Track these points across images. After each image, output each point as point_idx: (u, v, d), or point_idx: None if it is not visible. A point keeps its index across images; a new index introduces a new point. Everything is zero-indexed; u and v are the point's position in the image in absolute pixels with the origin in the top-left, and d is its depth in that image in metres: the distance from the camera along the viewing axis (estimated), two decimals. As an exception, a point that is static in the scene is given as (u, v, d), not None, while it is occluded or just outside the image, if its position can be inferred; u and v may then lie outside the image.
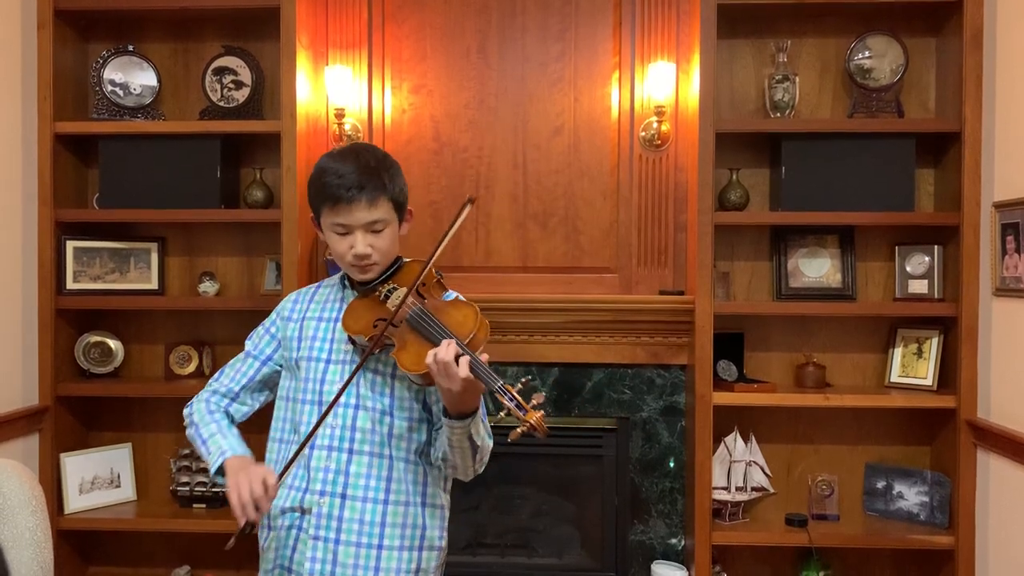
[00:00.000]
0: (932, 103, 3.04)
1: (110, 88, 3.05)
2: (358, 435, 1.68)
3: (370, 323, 1.65)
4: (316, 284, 1.87)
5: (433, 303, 1.67)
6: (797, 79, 2.97)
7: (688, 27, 3.06)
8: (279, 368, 1.82)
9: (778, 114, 2.96)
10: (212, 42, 3.16)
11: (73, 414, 3.11)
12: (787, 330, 3.10)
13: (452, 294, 1.76)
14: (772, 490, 3.03)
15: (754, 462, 3.00)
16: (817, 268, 3.03)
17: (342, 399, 1.67)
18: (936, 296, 2.92)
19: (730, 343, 3.02)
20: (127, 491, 3.15)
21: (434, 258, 1.66)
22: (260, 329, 1.86)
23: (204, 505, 3.04)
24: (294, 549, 1.69)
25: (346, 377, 1.69)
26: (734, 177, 3.01)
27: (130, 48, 3.09)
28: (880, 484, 3.04)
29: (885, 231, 3.05)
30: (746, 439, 3.01)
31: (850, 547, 2.97)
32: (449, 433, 1.60)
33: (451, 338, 1.54)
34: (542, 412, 1.46)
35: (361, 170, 1.64)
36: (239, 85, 3.08)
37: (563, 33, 3.13)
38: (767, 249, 3.11)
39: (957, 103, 2.81)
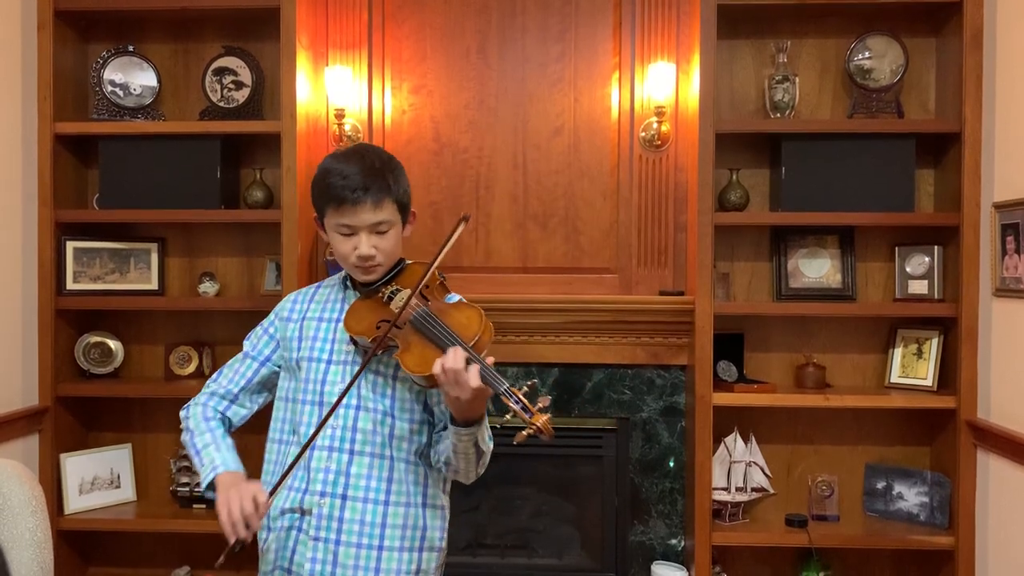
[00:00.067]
0: (932, 103, 3.04)
1: (110, 88, 3.05)
2: (359, 436, 1.68)
3: (373, 324, 1.65)
4: (315, 284, 1.87)
5: (437, 305, 1.67)
6: (797, 79, 2.97)
7: (688, 27, 3.06)
8: (277, 369, 1.81)
9: (778, 114, 2.96)
10: (212, 42, 3.16)
11: (73, 414, 3.11)
12: (787, 330, 3.10)
13: (455, 296, 1.76)
14: (772, 491, 3.03)
15: (754, 462, 3.00)
16: (817, 268, 3.03)
17: (343, 399, 1.67)
18: (936, 296, 2.92)
19: (730, 344, 3.02)
20: (127, 492, 3.15)
21: (437, 261, 1.66)
22: (258, 330, 1.85)
23: (204, 506, 3.04)
24: (294, 550, 1.69)
25: (347, 378, 1.69)
26: (734, 177, 3.01)
27: (130, 48, 3.09)
28: (880, 484, 3.04)
29: (885, 231, 3.05)
30: (746, 439, 3.01)
31: (850, 547, 2.97)
32: (455, 440, 1.60)
33: (456, 340, 1.54)
34: (548, 415, 1.47)
35: (366, 171, 1.64)
36: (239, 85, 3.08)
37: (563, 34, 3.13)
38: (767, 249, 3.11)
39: (957, 103, 2.81)
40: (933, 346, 2.94)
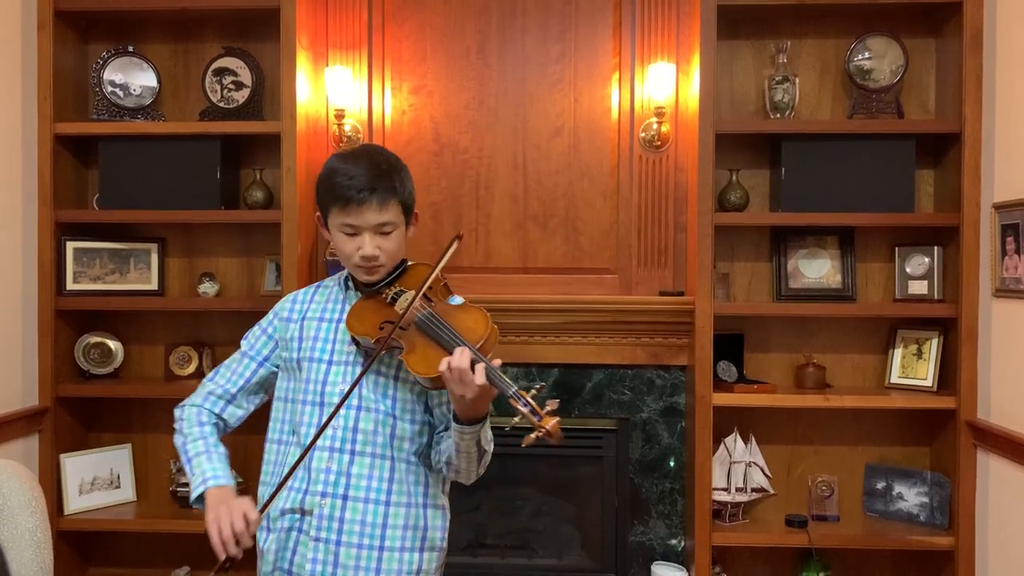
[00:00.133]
0: (932, 104, 3.04)
1: (110, 89, 3.05)
2: (360, 436, 1.68)
3: (376, 325, 1.65)
4: (315, 285, 1.87)
5: (442, 307, 1.67)
6: (797, 80, 2.97)
7: (688, 28, 3.06)
8: (275, 369, 1.81)
9: (778, 115, 2.96)
10: (212, 43, 3.16)
11: (73, 415, 3.11)
12: (787, 331, 3.10)
13: (457, 298, 1.76)
14: (772, 491, 3.03)
15: (754, 463, 3.00)
16: (817, 269, 3.03)
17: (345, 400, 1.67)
18: (936, 297, 2.92)
19: (730, 344, 3.02)
20: (127, 492, 3.15)
21: (441, 263, 1.66)
22: (256, 329, 1.84)
23: (204, 507, 3.03)
24: (294, 551, 1.69)
25: (348, 378, 1.69)
26: (734, 178, 3.01)
27: (130, 49, 3.09)
28: (880, 485, 3.04)
29: (885, 232, 3.05)
30: (746, 440, 3.01)
31: (850, 548, 2.97)
32: (458, 438, 1.60)
33: (462, 342, 1.55)
34: (557, 418, 1.47)
35: (373, 172, 1.64)
36: (239, 86, 3.08)
37: (563, 34, 3.13)
38: (767, 250, 3.11)
39: (957, 104, 2.81)
40: (933, 346, 2.94)
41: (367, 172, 1.64)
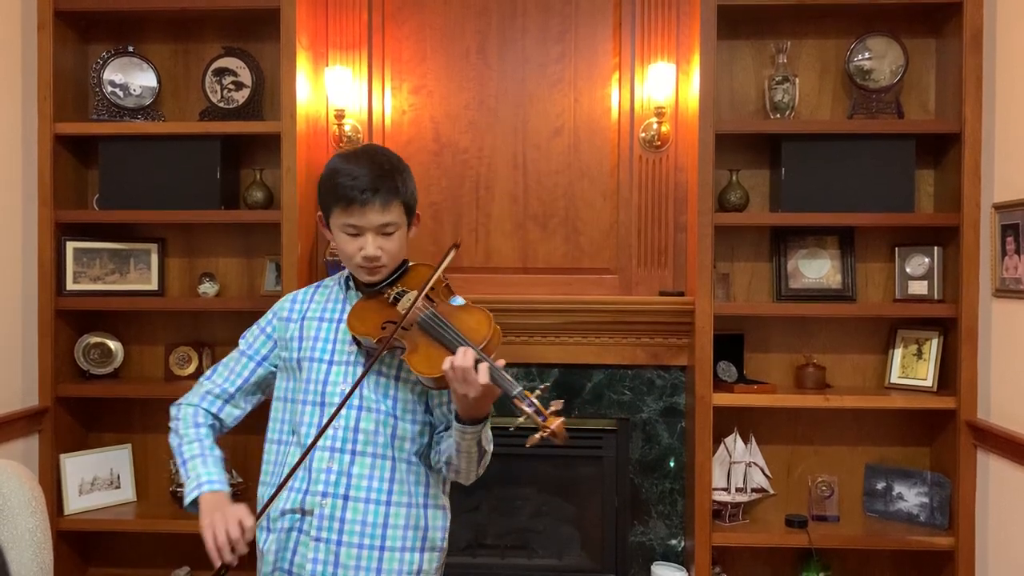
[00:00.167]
0: (932, 104, 3.04)
1: (110, 89, 3.05)
2: (361, 437, 1.68)
3: (378, 325, 1.65)
4: (314, 285, 1.86)
5: (444, 308, 1.68)
6: (797, 80, 2.98)
7: (688, 28, 3.06)
8: (274, 369, 1.80)
9: (778, 115, 2.96)
10: (212, 43, 3.16)
11: (73, 415, 3.11)
12: (787, 331, 3.10)
13: (459, 299, 1.76)
14: (772, 491, 3.03)
15: (754, 463, 3.00)
16: (817, 269, 3.03)
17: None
18: (936, 297, 2.92)
19: (730, 344, 3.02)
20: (127, 492, 3.15)
21: (444, 265, 1.67)
22: (255, 329, 1.84)
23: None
24: (294, 551, 1.69)
25: (349, 378, 1.69)
26: (734, 178, 3.01)
27: (130, 49, 3.09)
28: (880, 485, 3.04)
29: (885, 232, 3.05)
30: (746, 440, 3.01)
31: (850, 548, 2.97)
32: (459, 438, 1.60)
33: (465, 342, 1.55)
34: (562, 419, 1.47)
35: (376, 173, 1.64)
36: (239, 86, 3.08)
37: (563, 34, 3.13)
38: (767, 250, 3.11)
39: (957, 104, 2.81)
40: (933, 347, 2.94)
41: (370, 172, 1.64)
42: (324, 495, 1.66)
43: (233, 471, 3.09)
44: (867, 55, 2.95)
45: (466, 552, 3.17)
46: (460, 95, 3.15)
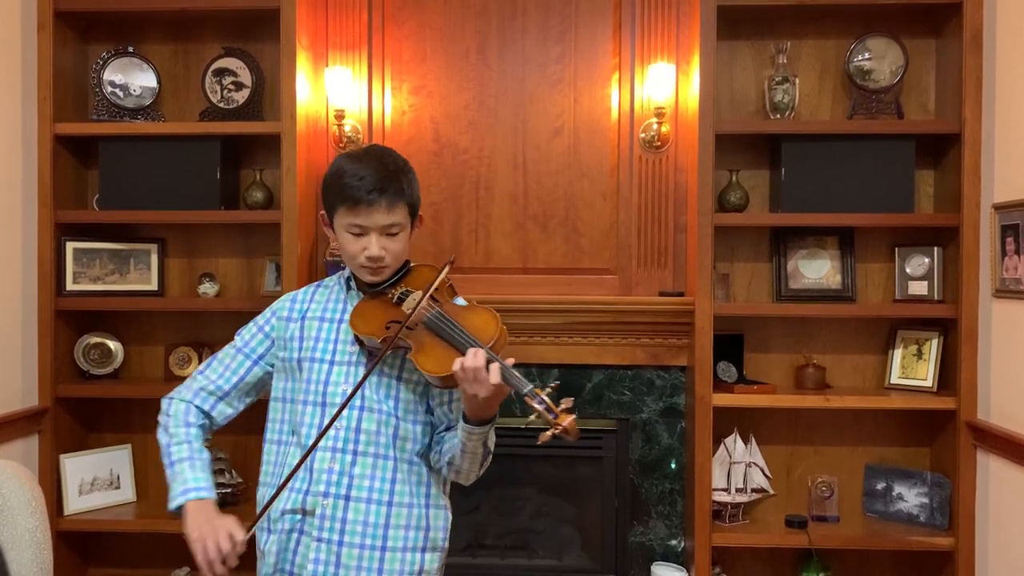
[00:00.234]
0: (932, 104, 3.04)
1: (110, 89, 3.05)
2: (363, 437, 1.68)
3: (382, 325, 1.65)
4: (314, 284, 1.86)
5: (450, 307, 1.68)
6: (797, 80, 2.98)
7: (688, 28, 3.06)
8: (270, 369, 1.79)
9: (778, 115, 2.96)
10: (212, 43, 3.16)
11: (73, 415, 3.11)
12: (787, 331, 3.10)
13: (461, 300, 1.77)
14: (772, 491, 3.03)
15: (754, 463, 3.00)
16: (817, 269, 3.03)
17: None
18: (936, 297, 2.92)
19: (730, 344, 3.02)
20: (127, 492, 3.15)
21: (446, 269, 1.67)
22: (252, 327, 1.82)
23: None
24: (295, 552, 1.69)
25: (350, 379, 1.69)
26: (734, 178, 3.01)
27: (130, 49, 3.09)
28: (880, 485, 3.04)
29: (885, 232, 3.05)
30: (746, 440, 3.01)
31: (850, 548, 2.97)
32: (466, 438, 1.61)
33: (474, 342, 1.56)
34: (573, 416, 1.48)
35: (382, 173, 1.65)
36: (239, 86, 3.08)
37: (563, 34, 3.13)
38: (767, 250, 3.11)
39: (957, 104, 2.81)
40: (933, 347, 2.94)
41: (377, 173, 1.64)
42: (326, 495, 1.66)
43: (233, 471, 3.10)
44: (867, 55, 2.95)
45: (466, 552, 3.17)
46: (460, 95, 3.15)
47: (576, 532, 3.22)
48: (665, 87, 3.06)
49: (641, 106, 3.10)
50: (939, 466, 2.97)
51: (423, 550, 1.72)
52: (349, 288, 1.79)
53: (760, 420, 3.07)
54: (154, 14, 3.09)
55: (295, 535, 1.69)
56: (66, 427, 3.07)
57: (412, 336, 1.63)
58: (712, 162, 2.84)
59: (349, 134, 3.13)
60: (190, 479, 1.65)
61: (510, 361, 1.54)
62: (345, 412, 1.67)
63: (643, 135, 3.10)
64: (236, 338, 1.82)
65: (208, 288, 3.11)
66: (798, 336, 3.10)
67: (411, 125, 3.16)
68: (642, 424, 3.08)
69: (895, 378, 3.02)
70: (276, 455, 1.75)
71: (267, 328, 1.81)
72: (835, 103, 3.08)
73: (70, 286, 3.03)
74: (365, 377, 1.63)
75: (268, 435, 1.78)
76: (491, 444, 1.66)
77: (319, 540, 1.66)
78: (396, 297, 1.70)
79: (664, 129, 3.08)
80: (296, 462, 1.64)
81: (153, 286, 3.15)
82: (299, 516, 1.68)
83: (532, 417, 1.50)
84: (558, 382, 1.58)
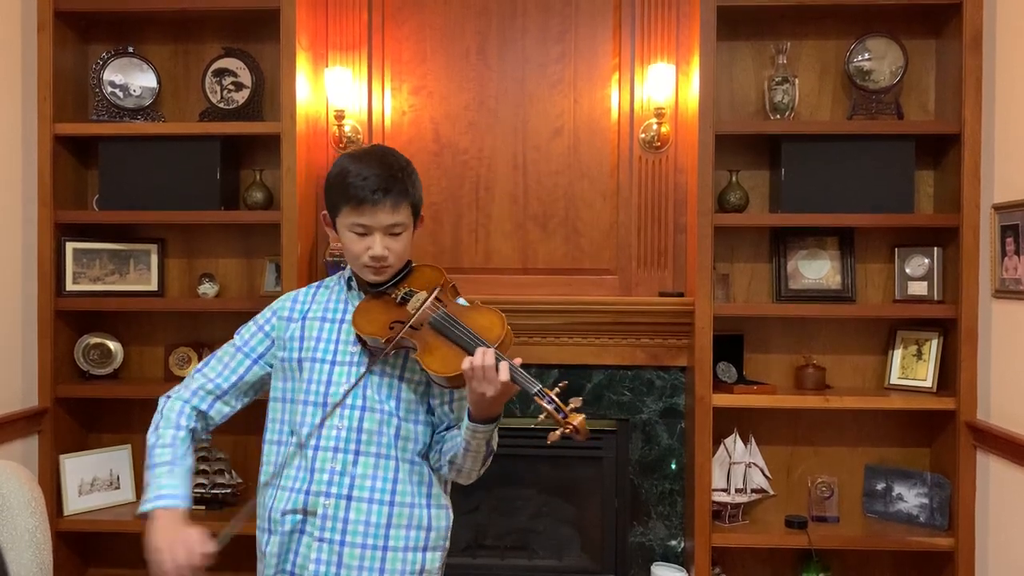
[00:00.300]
0: (932, 105, 3.04)
1: (110, 90, 3.05)
2: (364, 436, 1.68)
3: (386, 324, 1.65)
4: (315, 284, 1.86)
5: (455, 307, 1.69)
6: (797, 81, 2.98)
7: (688, 29, 3.06)
8: (269, 369, 1.78)
9: (778, 116, 2.96)
10: (212, 44, 3.16)
11: (72, 415, 3.11)
12: (787, 332, 3.10)
13: (462, 300, 1.77)
14: (772, 492, 3.03)
15: (754, 464, 3.00)
16: (817, 270, 3.04)
17: (348, 400, 1.67)
18: (936, 298, 2.92)
19: (730, 345, 3.02)
20: (127, 492, 3.15)
21: (425, 304, 1.67)
22: (252, 326, 1.81)
23: (203, 507, 3.03)
24: (296, 552, 1.69)
25: (352, 379, 1.69)
26: (734, 179, 3.01)
27: (130, 50, 3.09)
28: (880, 486, 3.04)
29: (885, 233, 3.05)
30: (746, 441, 3.01)
31: (850, 549, 2.97)
32: (470, 437, 1.61)
33: (481, 342, 1.56)
34: (583, 415, 1.48)
35: (387, 173, 1.65)
36: (239, 87, 3.08)
37: (563, 35, 3.13)
38: (767, 251, 3.11)
39: (957, 105, 2.82)
40: (933, 347, 2.94)
41: (381, 173, 1.64)
42: (327, 495, 1.66)
43: (233, 471, 3.10)
44: (867, 56, 2.95)
45: (466, 553, 3.17)
46: (460, 96, 3.15)
47: (576, 532, 3.22)
48: (665, 87, 3.06)
49: (641, 106, 3.10)
50: (939, 466, 2.97)
51: (424, 549, 1.72)
52: (350, 288, 1.78)
53: (760, 420, 3.07)
54: (154, 14, 3.09)
55: (296, 535, 1.68)
56: (66, 427, 3.07)
57: (417, 336, 1.63)
58: (712, 162, 2.84)
59: (349, 134, 3.13)
60: (165, 486, 1.62)
61: (517, 360, 1.54)
62: (347, 412, 1.67)
63: (643, 135, 3.10)
64: (235, 337, 1.82)
65: (208, 288, 3.11)
66: (798, 336, 3.10)
67: (411, 125, 3.16)
68: (642, 424, 3.08)
69: (895, 378, 3.02)
70: (276, 455, 1.75)
71: (267, 328, 1.80)
72: (835, 103, 3.08)
73: (70, 286, 3.03)
74: (363, 375, 1.63)
75: (268, 435, 1.77)
76: (494, 443, 1.67)
77: (320, 540, 1.66)
78: (400, 297, 1.70)
79: (664, 129, 3.08)
80: (295, 462, 1.65)
81: (153, 286, 3.15)
82: (300, 516, 1.68)
83: (541, 417, 1.50)
84: (566, 381, 1.58)
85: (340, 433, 1.68)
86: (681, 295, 3.01)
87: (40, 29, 2.94)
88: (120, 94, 3.07)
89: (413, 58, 3.16)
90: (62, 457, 3.02)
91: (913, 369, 2.98)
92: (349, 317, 1.72)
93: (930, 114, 3.03)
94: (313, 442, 1.68)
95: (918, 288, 2.96)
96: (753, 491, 3.00)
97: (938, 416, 2.94)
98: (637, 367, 3.07)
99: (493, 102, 3.14)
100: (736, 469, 2.97)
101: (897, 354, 3.03)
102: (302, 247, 2.96)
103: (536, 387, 1.51)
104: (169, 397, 1.76)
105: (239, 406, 1.80)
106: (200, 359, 3.10)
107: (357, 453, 1.67)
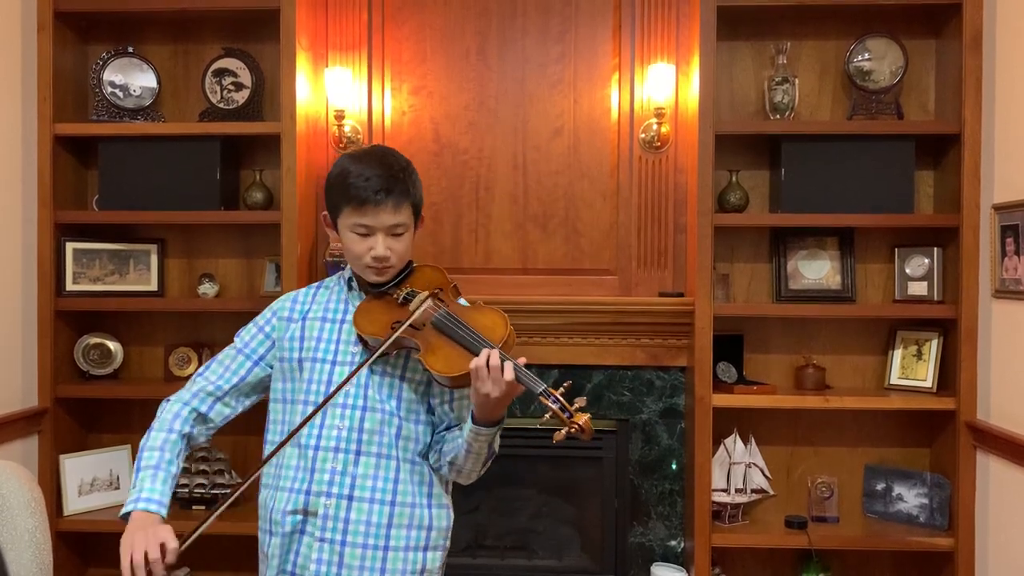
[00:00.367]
0: (932, 105, 3.04)
1: (110, 90, 3.05)
2: (365, 436, 1.68)
3: (387, 324, 1.65)
4: (315, 284, 1.86)
5: (457, 307, 1.69)
6: (797, 81, 2.98)
7: (688, 29, 3.06)
8: (270, 371, 1.78)
9: (778, 116, 2.96)
10: (212, 44, 3.16)
11: (72, 416, 3.11)
12: (787, 332, 3.10)
13: (463, 300, 1.77)
14: (772, 492, 3.03)
15: (754, 464, 3.00)
16: (817, 270, 3.04)
17: (349, 400, 1.68)
18: (936, 298, 2.92)
19: (730, 345, 3.02)
20: (126, 493, 3.13)
21: (416, 314, 1.67)
22: (252, 328, 1.81)
23: (203, 507, 3.03)
24: (297, 553, 1.69)
25: (354, 378, 1.68)
26: (734, 179, 3.01)
27: (130, 50, 3.09)
28: (880, 486, 3.04)
29: (885, 233, 3.05)
30: (746, 441, 3.01)
31: (850, 549, 2.97)
32: (472, 439, 1.61)
33: (485, 342, 1.56)
34: (588, 414, 1.48)
35: (388, 174, 1.65)
36: (239, 87, 3.08)
37: (563, 35, 3.13)
38: (767, 251, 3.11)
39: (957, 105, 2.81)
40: (933, 347, 2.94)
41: (383, 174, 1.64)
42: (328, 496, 1.66)
43: (233, 471, 3.10)
44: (867, 56, 2.95)
45: (466, 553, 3.17)
46: (460, 96, 3.15)
47: (576, 533, 3.22)
48: (665, 87, 3.06)
49: (641, 106, 3.10)
50: (939, 467, 2.97)
51: (425, 549, 1.72)
52: (351, 288, 1.78)
53: (760, 420, 3.07)
54: (154, 14, 3.08)
55: (297, 536, 1.68)
56: (66, 427, 3.06)
57: (419, 336, 1.63)
58: (712, 162, 2.84)
59: (349, 134, 3.13)
60: (146, 489, 1.63)
61: (521, 360, 1.54)
62: (348, 412, 1.68)
63: (643, 135, 3.10)
64: (236, 339, 1.82)
65: (208, 288, 3.10)
66: (798, 336, 3.10)
67: (411, 125, 3.16)
68: (642, 425, 3.08)
69: (895, 379, 3.02)
70: (277, 456, 1.74)
71: (267, 328, 1.80)
72: (835, 103, 3.08)
73: (70, 286, 3.03)
74: (356, 371, 1.63)
75: (268, 436, 1.77)
76: (496, 446, 1.67)
77: (321, 540, 1.66)
78: (402, 298, 1.70)
79: (664, 129, 3.08)
80: (294, 463, 1.65)
81: (153, 287, 3.15)
82: (300, 517, 1.68)
83: (546, 416, 1.50)
84: (570, 381, 1.58)
85: (341, 433, 1.67)
86: (681, 295, 3.01)
87: (40, 29, 2.94)
88: (120, 94, 3.07)
89: (413, 58, 3.16)
90: (62, 457, 3.02)
91: (913, 369, 2.98)
92: (350, 317, 1.72)
93: (930, 114, 3.03)
94: (313, 442, 1.68)
95: (918, 288, 2.96)
96: (753, 491, 3.00)
97: (938, 416, 2.94)
98: (637, 367, 3.06)
99: (493, 102, 3.14)
100: (736, 469, 2.97)
101: (897, 354, 3.03)
102: (302, 247, 2.96)
103: (541, 387, 1.51)
104: (168, 400, 1.76)
105: (240, 408, 1.79)
106: (200, 359, 3.11)
107: (358, 453, 1.67)
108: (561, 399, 1.49)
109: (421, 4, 3.15)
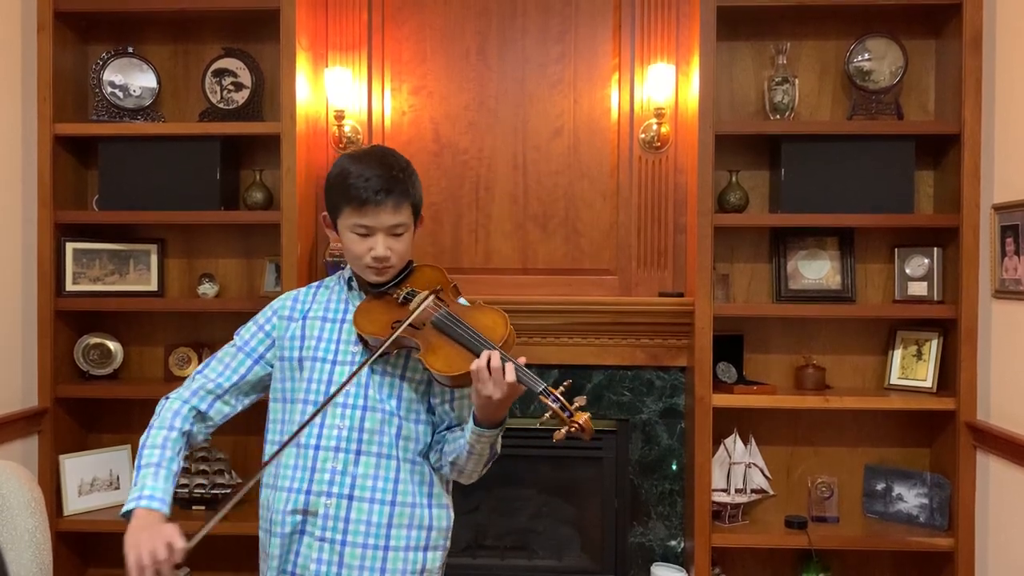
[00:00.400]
0: (932, 105, 3.04)
1: (110, 90, 3.05)
2: (366, 436, 1.68)
3: (388, 324, 1.65)
4: (315, 284, 1.85)
5: (457, 307, 1.69)
6: (796, 81, 2.98)
7: (688, 29, 3.06)
8: (270, 369, 1.78)
9: (778, 116, 2.96)
10: (212, 44, 3.16)
11: (72, 416, 3.11)
12: (787, 332, 3.10)
13: (463, 300, 1.77)
14: (772, 492, 3.03)
15: (754, 464, 3.00)
16: (817, 270, 3.04)
17: (350, 400, 1.68)
18: (936, 298, 2.92)
19: (729, 345, 3.02)
20: (126, 493, 3.11)
21: (411, 318, 1.66)
22: (252, 326, 1.81)
23: (204, 507, 3.03)
24: (298, 553, 1.69)
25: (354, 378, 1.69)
26: (734, 179, 3.01)
27: (130, 50, 3.09)
28: (880, 486, 3.04)
29: (885, 233, 3.05)
30: (746, 441, 3.01)
31: (850, 549, 2.97)
32: (475, 441, 1.61)
33: (485, 342, 1.56)
34: (588, 414, 1.48)
35: (388, 174, 1.65)
36: (239, 87, 3.08)
37: (563, 35, 3.13)
38: (767, 251, 3.11)
39: (956, 105, 2.82)
40: (933, 347, 2.94)
41: (383, 174, 1.64)
42: (328, 495, 1.66)
43: (233, 471, 3.10)
44: (867, 56, 2.95)
45: (466, 553, 3.17)
46: (460, 96, 3.15)
47: (576, 533, 3.22)
48: (665, 88, 3.06)
49: (641, 107, 3.10)
50: (939, 467, 2.97)
51: (426, 549, 1.72)
52: (351, 288, 1.78)
53: (760, 421, 3.07)
54: (154, 14, 3.08)
55: (297, 536, 1.68)
56: (66, 427, 3.06)
57: (419, 336, 1.63)
58: (712, 163, 2.84)
59: (349, 134, 3.13)
60: (148, 487, 1.63)
61: (521, 360, 1.54)
62: (348, 411, 1.67)
63: (643, 135, 3.10)
64: (235, 337, 1.81)
65: (208, 289, 3.10)
66: (798, 336, 3.10)
67: (411, 125, 3.16)
68: (642, 425, 3.08)
69: (895, 379, 3.02)
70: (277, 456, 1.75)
71: (267, 327, 1.80)
72: (835, 104, 3.08)
73: (70, 286, 3.03)
74: (355, 373, 1.62)
75: (268, 436, 1.77)
76: (498, 447, 1.66)
77: (322, 540, 1.66)
78: (402, 297, 1.70)
79: (664, 130, 3.08)
80: (294, 462, 1.65)
81: (153, 287, 3.15)
82: (301, 517, 1.68)
83: (546, 416, 1.50)
84: (571, 380, 1.58)
85: (341, 432, 1.67)
86: (681, 295, 3.01)
87: (40, 29, 2.94)
88: (120, 94, 3.07)
89: (413, 58, 3.16)
90: (62, 457, 3.02)
91: (913, 369, 2.98)
92: (350, 317, 1.72)
93: (930, 114, 3.03)
94: (314, 441, 1.68)
95: (918, 288, 2.96)
96: (753, 491, 3.00)
97: (938, 416, 2.94)
98: (637, 367, 3.07)
99: (493, 102, 3.14)
100: (736, 469, 2.97)
101: (897, 354, 3.03)
102: (302, 247, 2.96)
103: (541, 386, 1.51)
104: (168, 397, 1.75)
105: (239, 407, 1.79)
106: (200, 359, 3.11)
107: (358, 453, 1.67)
108: (561, 398, 1.49)
109: (421, 4, 3.15)
